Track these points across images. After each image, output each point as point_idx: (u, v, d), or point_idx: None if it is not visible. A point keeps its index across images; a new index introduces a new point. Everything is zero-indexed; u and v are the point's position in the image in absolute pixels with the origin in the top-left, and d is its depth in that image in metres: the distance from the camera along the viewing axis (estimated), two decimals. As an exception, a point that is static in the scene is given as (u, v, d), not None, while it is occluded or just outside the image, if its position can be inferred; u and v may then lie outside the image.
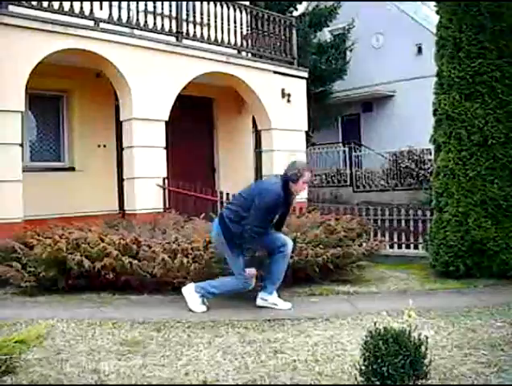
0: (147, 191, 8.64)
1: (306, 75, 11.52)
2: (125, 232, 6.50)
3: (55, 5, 7.75)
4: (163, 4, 9.08)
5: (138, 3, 8.74)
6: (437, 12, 6.98)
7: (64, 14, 7.84)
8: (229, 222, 5.02)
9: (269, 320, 4.74)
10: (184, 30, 9.42)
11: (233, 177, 10.85)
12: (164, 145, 8.97)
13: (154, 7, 9.02)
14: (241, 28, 10.34)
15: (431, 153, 12.41)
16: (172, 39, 9.29)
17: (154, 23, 8.95)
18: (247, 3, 11.13)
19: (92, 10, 8.11)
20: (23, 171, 7.33)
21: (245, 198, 5.09)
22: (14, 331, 4.15)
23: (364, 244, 6.82)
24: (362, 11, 17.66)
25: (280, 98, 10.82)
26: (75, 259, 5.74)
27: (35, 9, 7.62)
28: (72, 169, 9.38)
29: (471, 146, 6.42)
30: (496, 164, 6.34)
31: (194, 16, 9.68)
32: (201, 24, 9.69)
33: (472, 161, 6.41)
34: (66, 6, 7.85)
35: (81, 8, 7.99)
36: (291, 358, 3.70)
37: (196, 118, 11.14)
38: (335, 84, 17.52)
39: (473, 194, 6.37)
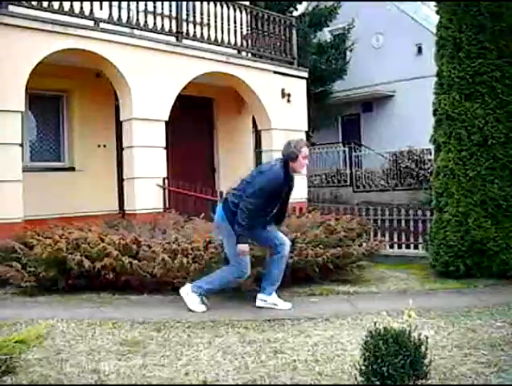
0: (147, 191, 8.64)
1: (306, 75, 11.52)
2: (125, 232, 6.50)
3: (55, 5, 7.75)
4: (163, 4, 9.08)
5: (138, 3, 8.74)
6: (437, 12, 6.98)
7: (64, 14, 7.84)
8: (232, 206, 5.02)
9: (269, 320, 4.73)
10: (184, 30, 9.42)
11: (233, 177, 10.77)
12: (164, 145, 8.97)
13: (154, 7, 9.02)
14: (241, 28, 10.34)
15: (431, 154, 12.42)
16: (172, 39, 9.29)
17: (154, 23, 8.96)
18: (247, 3, 11.13)
19: (92, 10, 8.11)
20: (23, 171, 7.34)
21: (248, 182, 5.09)
22: (14, 331, 4.15)
23: (364, 244, 6.82)
24: (362, 11, 17.65)
25: (280, 98, 10.83)
26: (75, 259, 5.73)
27: (35, 9, 7.63)
28: (72, 169, 9.38)
29: (471, 146, 6.42)
30: (496, 164, 6.34)
31: (194, 16, 9.68)
32: (201, 24, 9.69)
33: (472, 161, 6.41)
34: (66, 6, 7.85)
35: (81, 8, 7.99)
36: (291, 358, 3.70)
37: (196, 118, 11.14)
38: (335, 84, 17.53)
39: (473, 194, 6.37)
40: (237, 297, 5.51)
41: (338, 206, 9.70)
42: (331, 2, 17.49)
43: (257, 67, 10.47)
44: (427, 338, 2.93)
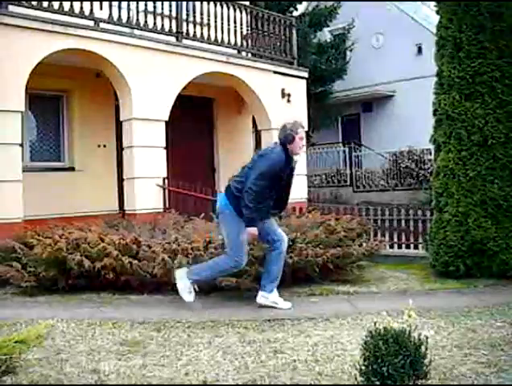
0: (147, 191, 8.64)
1: (306, 75, 11.52)
2: (125, 232, 6.50)
3: (55, 5, 7.75)
4: (163, 4, 9.08)
5: (138, 3, 8.74)
6: (437, 12, 6.98)
7: (64, 14, 7.85)
8: (236, 191, 5.03)
9: (269, 320, 4.73)
10: (184, 30, 9.42)
11: (233, 177, 10.83)
12: (164, 145, 8.97)
13: (154, 7, 9.02)
14: (241, 28, 10.34)
15: (431, 154, 12.42)
16: (172, 39, 9.29)
17: (154, 23, 8.96)
18: (247, 3, 11.13)
19: (92, 10, 8.11)
20: (23, 171, 7.34)
21: (249, 168, 5.11)
22: (14, 331, 4.14)
23: (364, 244, 6.82)
24: (362, 11, 17.66)
25: (280, 98, 10.83)
26: (75, 259, 5.73)
27: (35, 9, 7.63)
28: (72, 169, 9.38)
29: (471, 146, 6.42)
30: (496, 164, 6.34)
31: (194, 16, 9.68)
32: (201, 24, 9.69)
33: (472, 161, 6.41)
34: (66, 6, 7.85)
35: (81, 8, 7.99)
36: (291, 358, 3.70)
37: (196, 118, 11.14)
38: (335, 84, 17.53)
39: (473, 194, 6.37)
40: (236, 297, 5.51)
41: (338, 206, 9.70)
42: (331, 2, 17.50)
43: (257, 67, 10.47)
44: (427, 338, 2.93)
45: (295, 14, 16.01)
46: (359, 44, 17.66)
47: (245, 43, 10.59)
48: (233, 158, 11.52)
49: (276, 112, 10.66)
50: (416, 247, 8.50)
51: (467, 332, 4.27)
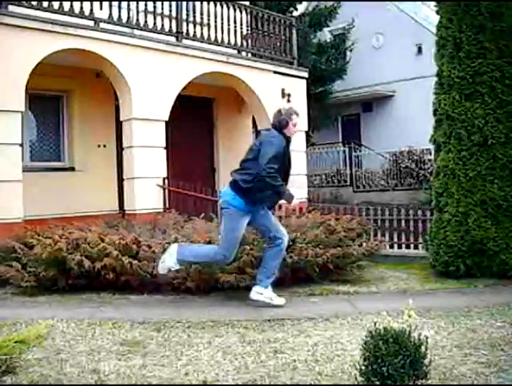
0: (147, 191, 8.64)
1: (306, 75, 11.52)
2: (125, 232, 6.49)
3: (55, 5, 7.75)
4: (163, 4, 9.08)
5: (138, 3, 8.74)
6: (437, 12, 6.98)
7: (64, 14, 7.85)
8: (245, 184, 5.07)
9: (269, 320, 4.73)
10: (184, 30, 9.42)
11: (233, 177, 10.83)
12: (164, 145, 8.97)
13: (154, 7, 9.02)
14: (241, 28, 10.34)
15: (431, 154, 12.41)
16: (172, 39, 9.29)
17: (154, 23, 8.96)
18: (247, 3, 11.13)
19: (92, 10, 8.11)
20: (23, 171, 7.34)
21: (250, 158, 5.16)
22: (14, 331, 4.14)
23: (364, 244, 6.82)
24: (362, 11, 17.65)
25: (280, 98, 10.82)
26: (75, 259, 5.73)
27: (35, 9, 7.63)
28: (72, 169, 9.38)
29: (471, 146, 6.42)
30: (496, 164, 6.34)
31: (194, 16, 9.68)
32: (201, 24, 9.69)
33: (472, 161, 6.41)
34: (66, 6, 7.85)
35: (81, 8, 7.99)
36: (291, 358, 3.70)
37: (196, 118, 11.14)
38: (335, 84, 17.52)
39: (473, 194, 6.37)
40: (236, 297, 5.51)
41: (338, 206, 9.70)
42: (331, 2, 17.48)
43: (257, 67, 10.48)
44: (427, 338, 2.93)
45: (295, 14, 16.00)
46: (359, 44, 17.65)
47: (245, 43, 10.59)
48: (233, 157, 11.48)
49: (276, 112, 10.65)
50: (416, 247, 8.50)
51: (467, 332, 4.27)
